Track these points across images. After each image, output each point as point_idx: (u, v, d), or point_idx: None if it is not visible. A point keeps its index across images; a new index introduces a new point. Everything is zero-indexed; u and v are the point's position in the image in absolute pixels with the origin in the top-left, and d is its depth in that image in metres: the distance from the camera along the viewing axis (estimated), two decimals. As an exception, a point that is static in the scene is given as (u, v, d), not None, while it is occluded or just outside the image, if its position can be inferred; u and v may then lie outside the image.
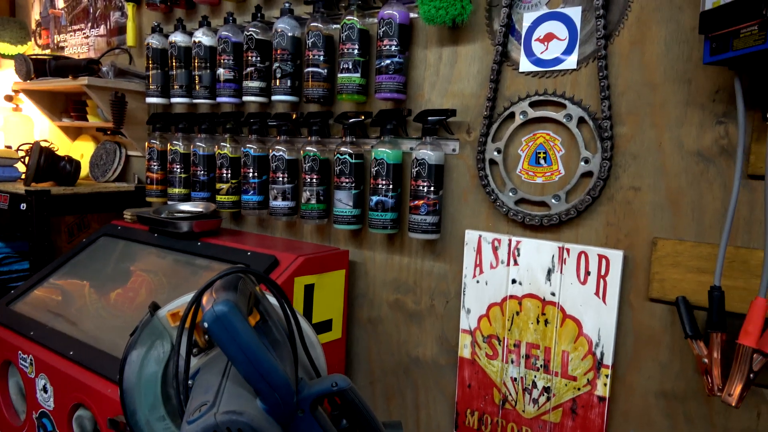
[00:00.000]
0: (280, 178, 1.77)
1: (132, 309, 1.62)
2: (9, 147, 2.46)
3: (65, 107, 2.62)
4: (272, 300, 1.05)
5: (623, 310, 1.28)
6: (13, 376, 1.72)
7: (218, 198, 1.95)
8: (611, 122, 1.26)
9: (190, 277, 1.67)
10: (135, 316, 1.58)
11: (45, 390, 1.51)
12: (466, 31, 1.48)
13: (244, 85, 1.84)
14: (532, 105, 1.37)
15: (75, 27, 2.63)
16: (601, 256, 1.27)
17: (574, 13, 1.30)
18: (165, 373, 1.05)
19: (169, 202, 2.08)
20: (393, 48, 1.50)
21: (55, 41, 2.76)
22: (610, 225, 1.29)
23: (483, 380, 1.47)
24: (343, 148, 1.61)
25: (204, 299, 0.85)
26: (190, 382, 0.96)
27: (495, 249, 1.43)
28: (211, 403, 0.78)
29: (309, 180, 1.71)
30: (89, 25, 2.55)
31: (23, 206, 2.03)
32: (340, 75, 1.61)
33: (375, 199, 1.55)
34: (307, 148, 1.70)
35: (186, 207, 1.95)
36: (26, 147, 2.37)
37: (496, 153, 1.43)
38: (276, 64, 1.75)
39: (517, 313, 1.40)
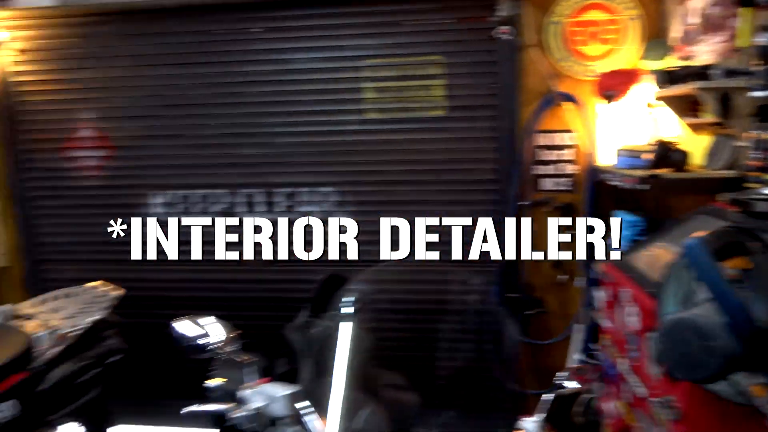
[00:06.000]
0: None
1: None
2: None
3: (689, 107, 3.12)
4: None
5: None
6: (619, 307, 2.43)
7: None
8: None
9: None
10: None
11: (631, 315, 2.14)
12: None
13: None
14: None
15: (701, 38, 3.07)
16: None
17: None
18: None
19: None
20: None
21: (686, 53, 3.27)
22: None
23: None
24: None
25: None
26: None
27: None
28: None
29: None
30: (712, 34, 2.94)
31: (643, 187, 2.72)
32: None
33: None
34: None
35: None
36: (653, 141, 3.04)
37: None
38: None
39: None
